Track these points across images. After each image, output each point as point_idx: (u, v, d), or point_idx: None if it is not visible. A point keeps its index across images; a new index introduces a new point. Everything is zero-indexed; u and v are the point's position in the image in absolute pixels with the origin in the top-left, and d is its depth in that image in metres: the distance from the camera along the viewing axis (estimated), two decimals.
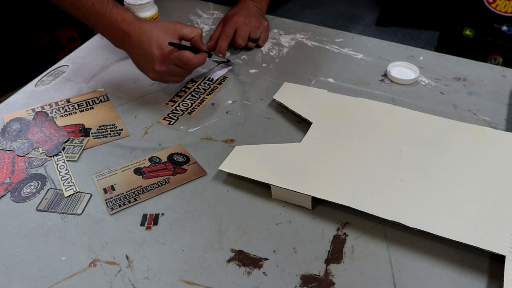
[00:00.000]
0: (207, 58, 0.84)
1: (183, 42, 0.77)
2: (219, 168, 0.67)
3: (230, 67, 0.90)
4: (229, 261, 0.58)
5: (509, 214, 0.60)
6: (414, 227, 0.58)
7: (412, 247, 0.59)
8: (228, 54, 0.94)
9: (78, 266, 0.57)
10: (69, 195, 0.66)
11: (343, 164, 0.67)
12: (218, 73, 0.89)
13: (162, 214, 0.63)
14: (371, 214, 0.60)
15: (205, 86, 0.86)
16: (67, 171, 0.69)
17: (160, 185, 0.67)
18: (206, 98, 0.83)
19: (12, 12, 1.73)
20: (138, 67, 0.77)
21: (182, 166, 0.70)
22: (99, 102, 0.82)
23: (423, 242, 0.60)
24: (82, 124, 0.77)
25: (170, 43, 0.73)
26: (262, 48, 0.95)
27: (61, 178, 0.68)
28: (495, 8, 1.86)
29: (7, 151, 0.72)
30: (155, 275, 0.56)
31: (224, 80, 0.87)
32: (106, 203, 0.64)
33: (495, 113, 0.80)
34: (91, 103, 0.82)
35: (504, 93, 0.84)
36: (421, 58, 0.93)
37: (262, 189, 0.66)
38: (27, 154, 0.72)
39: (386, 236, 0.61)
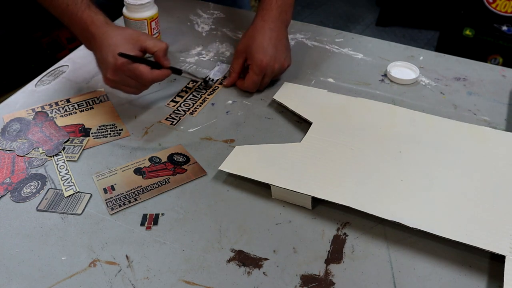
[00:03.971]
0: (179, 75, 0.81)
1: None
2: (219, 168, 0.67)
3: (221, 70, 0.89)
4: (229, 261, 0.58)
5: (509, 214, 0.60)
6: (414, 227, 0.58)
7: (412, 247, 0.59)
8: (222, 59, 0.94)
9: (78, 266, 0.57)
10: (69, 195, 0.66)
11: (343, 164, 0.67)
12: (218, 74, 0.89)
13: (162, 214, 0.63)
14: (371, 214, 0.60)
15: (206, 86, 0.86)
16: (67, 171, 0.69)
17: (160, 185, 0.67)
18: (208, 98, 0.83)
19: (12, 12, 1.73)
20: (100, 71, 0.76)
21: (182, 166, 0.70)
22: (99, 102, 0.82)
23: (423, 242, 0.60)
24: (82, 124, 0.77)
25: (120, 54, 0.70)
26: None
27: (61, 178, 0.68)
28: (495, 8, 1.86)
29: (7, 151, 0.72)
30: (155, 275, 0.56)
31: (224, 80, 0.87)
32: (106, 203, 0.64)
33: (495, 113, 0.80)
34: (91, 103, 0.82)
35: (504, 93, 0.84)
36: (421, 58, 0.93)
37: (262, 189, 0.66)
38: (27, 154, 0.72)
39: (386, 236, 0.61)
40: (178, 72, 0.80)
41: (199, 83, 0.86)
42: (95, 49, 0.74)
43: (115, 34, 0.72)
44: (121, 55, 0.70)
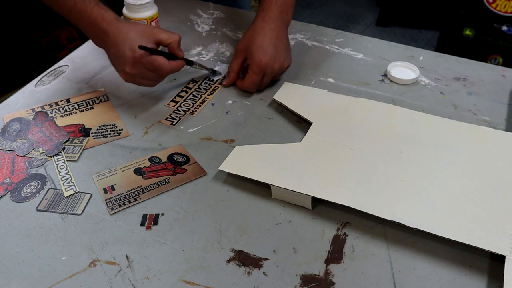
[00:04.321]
0: (191, 66, 0.83)
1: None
2: (219, 168, 0.67)
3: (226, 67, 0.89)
4: (229, 261, 0.58)
5: (509, 214, 0.60)
6: (414, 227, 0.58)
7: (412, 247, 0.59)
8: (218, 62, 0.94)
9: (78, 266, 0.57)
10: (69, 195, 0.66)
11: (343, 164, 0.67)
12: (217, 74, 0.89)
13: (162, 214, 0.63)
14: (371, 214, 0.60)
15: (206, 86, 0.86)
16: (67, 171, 0.69)
17: (160, 185, 0.67)
18: (208, 98, 0.83)
19: (12, 12, 1.73)
20: (114, 66, 0.77)
21: (182, 166, 0.70)
22: (99, 102, 0.82)
23: (423, 242, 0.60)
24: (82, 124, 0.77)
25: (140, 47, 0.72)
26: None
27: (61, 178, 0.68)
28: (495, 8, 1.87)
29: (7, 151, 0.72)
30: (155, 275, 0.56)
31: (224, 80, 0.87)
32: (106, 203, 0.64)
33: (495, 113, 0.80)
34: (91, 103, 0.82)
35: (504, 93, 0.84)
36: (421, 58, 0.93)
37: (262, 189, 0.66)
38: (27, 154, 0.72)
39: (386, 236, 0.61)
40: (190, 63, 0.83)
41: (202, 80, 0.86)
42: (109, 45, 0.75)
43: (129, 29, 0.74)
44: (141, 47, 0.72)
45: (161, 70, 0.75)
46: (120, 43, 0.73)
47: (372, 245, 0.60)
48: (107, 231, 0.61)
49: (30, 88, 0.86)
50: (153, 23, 0.88)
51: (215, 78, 0.88)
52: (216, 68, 0.90)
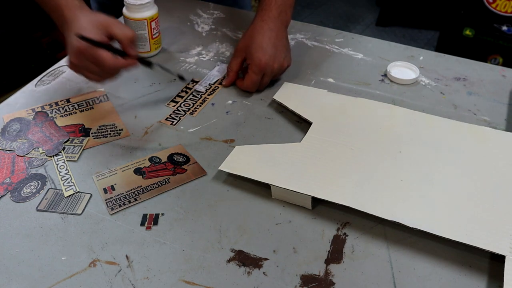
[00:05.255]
0: (149, 68, 0.78)
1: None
2: (219, 168, 0.67)
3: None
4: (229, 261, 0.58)
5: (509, 214, 0.60)
6: (414, 227, 0.58)
7: (412, 247, 0.59)
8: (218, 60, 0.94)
9: (78, 266, 0.57)
10: (69, 195, 0.66)
11: (343, 164, 0.67)
12: (217, 74, 0.89)
13: (162, 214, 0.63)
14: (371, 214, 0.60)
15: (206, 86, 0.86)
16: (67, 171, 0.69)
17: (160, 185, 0.67)
18: (208, 98, 0.83)
19: (12, 12, 1.73)
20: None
21: (182, 166, 0.70)
22: (99, 102, 0.82)
23: (423, 242, 0.60)
24: (82, 124, 0.77)
25: (81, 37, 0.66)
26: None
27: (61, 178, 0.68)
28: (495, 8, 1.87)
29: (7, 151, 0.72)
30: (155, 275, 0.56)
31: (224, 80, 0.87)
32: (106, 203, 0.64)
33: (495, 113, 0.80)
34: (91, 103, 0.82)
35: (504, 93, 0.84)
36: (421, 58, 0.93)
37: (262, 189, 0.66)
38: (27, 154, 0.72)
39: (386, 236, 0.61)
40: (148, 64, 0.76)
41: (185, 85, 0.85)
42: (66, 32, 0.72)
43: (83, 18, 0.70)
44: (82, 38, 0.67)
45: (104, 66, 0.68)
46: (72, 30, 0.69)
47: (372, 245, 0.60)
48: (107, 231, 0.61)
49: (30, 88, 0.86)
50: (153, 23, 0.88)
51: (224, 72, 0.86)
52: (215, 69, 0.90)
